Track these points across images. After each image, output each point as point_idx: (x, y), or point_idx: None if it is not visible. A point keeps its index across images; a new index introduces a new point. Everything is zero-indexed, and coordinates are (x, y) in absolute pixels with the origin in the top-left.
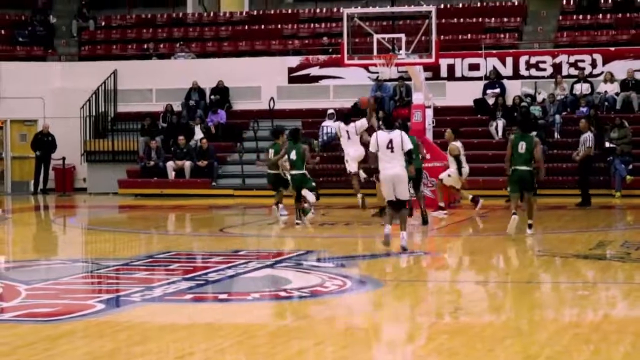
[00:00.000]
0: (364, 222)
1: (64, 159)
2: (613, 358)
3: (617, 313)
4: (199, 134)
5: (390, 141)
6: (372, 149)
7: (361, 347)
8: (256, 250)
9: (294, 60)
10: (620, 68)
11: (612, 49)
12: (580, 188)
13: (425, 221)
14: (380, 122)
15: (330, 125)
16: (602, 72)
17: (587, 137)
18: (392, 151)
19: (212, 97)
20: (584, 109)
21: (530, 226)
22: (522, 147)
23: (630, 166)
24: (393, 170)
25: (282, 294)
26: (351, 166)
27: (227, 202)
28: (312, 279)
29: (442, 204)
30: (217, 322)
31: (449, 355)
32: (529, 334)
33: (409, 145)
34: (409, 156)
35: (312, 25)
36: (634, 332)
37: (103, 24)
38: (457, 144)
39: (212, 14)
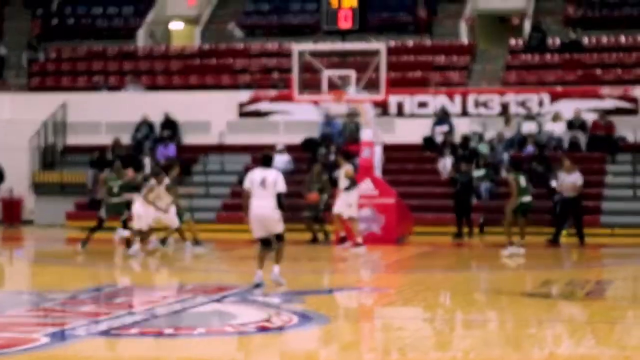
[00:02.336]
0: (310, 257)
1: (11, 190)
2: None
3: (562, 351)
4: (148, 167)
5: (264, 179)
6: (245, 185)
7: None
8: (203, 284)
9: (245, 95)
10: (568, 108)
11: (560, 88)
12: (576, 228)
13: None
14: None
15: (279, 160)
16: (549, 112)
17: (578, 177)
18: (264, 189)
19: (165, 132)
20: (531, 148)
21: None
22: (523, 181)
23: None
24: (261, 210)
25: (229, 329)
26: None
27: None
28: (258, 314)
29: (360, 240)
30: (162, 356)
31: None
32: None
33: (281, 186)
34: (279, 198)
35: (262, 60)
36: None
37: (53, 55)
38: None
39: (162, 48)
